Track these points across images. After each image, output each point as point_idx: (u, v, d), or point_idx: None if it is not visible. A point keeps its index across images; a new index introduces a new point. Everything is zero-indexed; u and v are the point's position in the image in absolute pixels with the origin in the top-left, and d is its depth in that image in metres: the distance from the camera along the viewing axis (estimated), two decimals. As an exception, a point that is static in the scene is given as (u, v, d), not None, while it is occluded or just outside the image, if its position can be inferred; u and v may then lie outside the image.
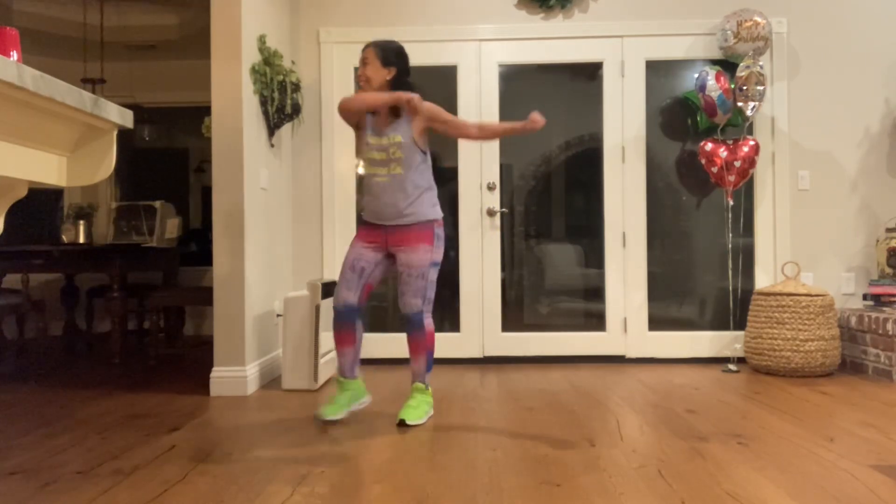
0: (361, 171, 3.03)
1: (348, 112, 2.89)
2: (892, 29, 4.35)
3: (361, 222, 3.01)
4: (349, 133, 4.45)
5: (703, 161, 4.14)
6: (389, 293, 4.56)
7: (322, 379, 3.69)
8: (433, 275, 2.93)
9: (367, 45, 2.92)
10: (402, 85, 2.92)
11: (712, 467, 2.25)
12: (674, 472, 2.20)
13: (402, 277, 2.91)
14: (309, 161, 4.46)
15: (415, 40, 4.43)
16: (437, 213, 2.97)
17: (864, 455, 2.37)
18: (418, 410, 2.90)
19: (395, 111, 2.91)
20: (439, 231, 2.95)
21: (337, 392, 2.95)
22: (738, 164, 4.03)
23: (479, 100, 4.43)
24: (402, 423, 2.84)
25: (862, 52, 4.35)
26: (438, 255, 2.95)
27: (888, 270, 4.10)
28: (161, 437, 2.71)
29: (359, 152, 3.00)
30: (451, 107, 4.45)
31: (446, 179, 4.45)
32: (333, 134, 4.45)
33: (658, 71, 4.42)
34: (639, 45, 4.40)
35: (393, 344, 4.43)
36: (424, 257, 2.90)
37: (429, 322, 2.93)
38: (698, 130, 4.33)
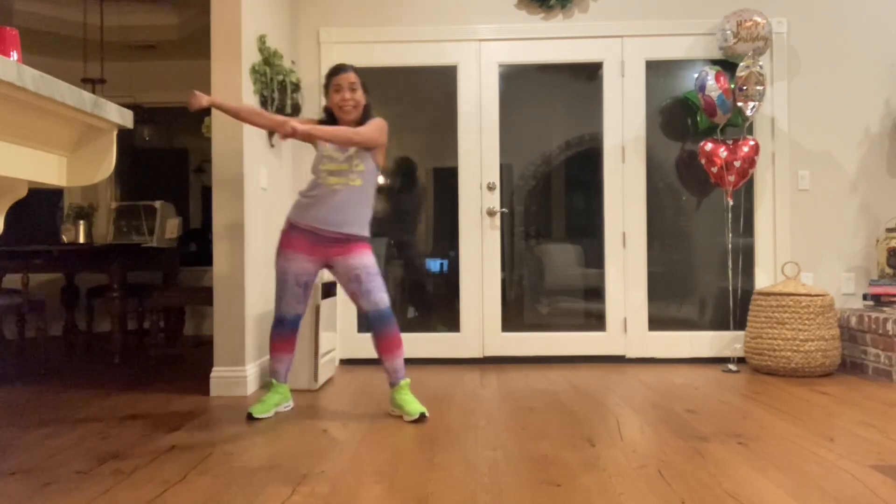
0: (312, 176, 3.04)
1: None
2: (892, 29, 4.35)
3: (298, 229, 2.98)
4: (349, 133, 4.45)
5: (703, 161, 4.14)
6: (389, 293, 4.56)
7: (322, 379, 3.69)
8: None
9: (350, 69, 2.99)
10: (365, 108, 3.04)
11: (712, 467, 2.25)
12: (674, 472, 2.20)
13: (361, 277, 2.95)
14: (309, 161, 4.44)
15: (415, 40, 4.43)
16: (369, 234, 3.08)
17: (864, 455, 2.37)
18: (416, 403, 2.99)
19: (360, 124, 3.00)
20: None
21: (269, 393, 3.07)
22: (737, 164, 4.03)
23: (479, 100, 4.43)
24: (422, 417, 2.91)
25: (862, 52, 4.35)
26: None
27: (888, 270, 4.10)
28: (161, 437, 2.71)
29: (314, 161, 3.04)
30: (451, 107, 4.45)
31: (446, 179, 4.45)
32: (333, 134, 4.44)
33: (658, 71, 4.42)
34: (639, 45, 4.40)
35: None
36: (373, 258, 3.02)
37: None
38: (698, 130, 4.33)
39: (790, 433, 2.67)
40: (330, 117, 3.04)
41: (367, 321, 3.01)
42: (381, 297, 2.97)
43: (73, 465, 2.35)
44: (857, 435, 2.64)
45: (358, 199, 2.98)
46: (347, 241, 2.98)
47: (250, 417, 2.95)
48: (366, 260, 2.97)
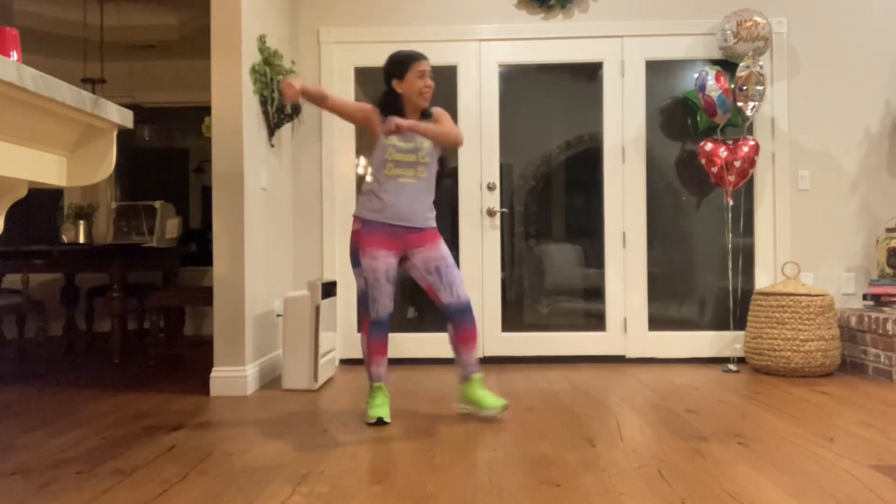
0: (366, 170, 3.01)
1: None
2: (892, 29, 4.35)
3: (374, 225, 2.91)
4: (349, 133, 4.45)
5: (703, 161, 4.14)
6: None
7: (322, 379, 3.69)
8: None
9: (425, 58, 2.96)
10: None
11: (712, 467, 2.25)
12: (674, 472, 2.20)
13: (441, 269, 2.93)
14: (309, 161, 4.46)
15: (415, 40, 4.43)
16: None
17: (864, 455, 2.37)
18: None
19: (425, 115, 2.98)
20: None
21: (378, 396, 2.96)
22: (737, 164, 4.03)
23: (479, 100, 4.43)
24: (503, 410, 2.91)
25: (862, 53, 4.35)
26: None
27: (888, 270, 4.09)
28: (161, 437, 2.71)
29: (376, 153, 2.94)
30: (452, 107, 4.45)
31: (446, 179, 4.45)
32: (333, 134, 4.45)
33: (658, 71, 4.42)
34: (639, 45, 4.40)
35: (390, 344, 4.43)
36: (447, 248, 2.99)
37: None
38: (698, 130, 4.33)
39: (790, 433, 2.67)
40: (392, 101, 2.95)
41: (443, 313, 2.96)
42: (463, 289, 2.95)
43: (73, 465, 2.35)
44: (857, 435, 2.64)
45: (426, 188, 2.97)
46: (422, 232, 2.96)
47: (381, 422, 2.87)
48: (443, 251, 2.96)
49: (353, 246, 2.95)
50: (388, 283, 2.91)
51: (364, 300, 2.95)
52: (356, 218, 2.97)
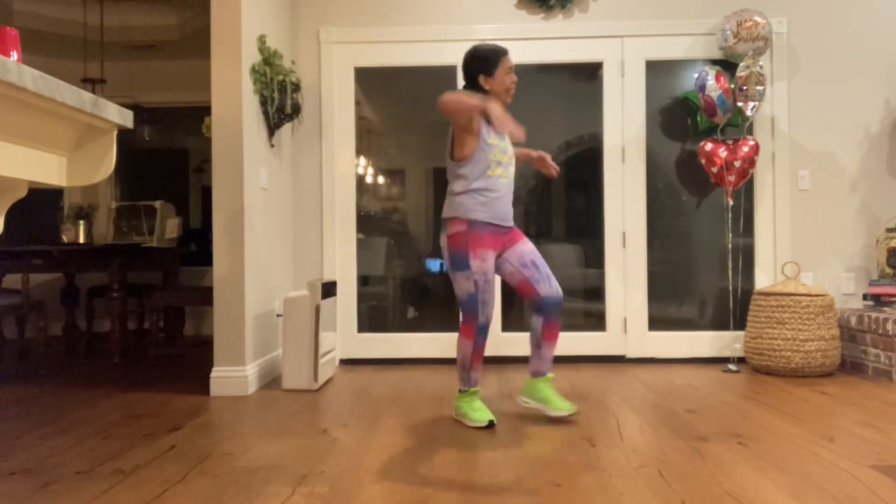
0: (457, 173, 2.84)
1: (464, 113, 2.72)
2: (892, 29, 4.35)
3: (481, 225, 2.83)
4: (349, 133, 4.45)
5: (703, 161, 4.14)
6: (390, 293, 4.57)
7: (322, 379, 3.69)
8: None
9: (509, 52, 2.94)
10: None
11: (712, 467, 2.25)
12: (674, 472, 2.20)
13: (537, 263, 2.92)
14: (309, 161, 4.46)
15: (415, 40, 4.43)
16: None
17: (864, 455, 2.37)
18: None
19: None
20: None
21: (476, 399, 2.91)
22: (737, 164, 4.03)
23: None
24: (572, 415, 2.89)
25: (862, 53, 4.35)
26: None
27: (888, 270, 4.09)
28: (161, 437, 2.71)
29: (476, 154, 2.83)
30: (451, 107, 4.45)
31: (446, 180, 4.44)
32: (333, 134, 4.45)
33: (658, 71, 4.42)
34: (639, 45, 4.40)
35: (385, 344, 4.43)
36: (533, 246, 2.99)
37: None
38: (698, 130, 4.33)
39: (790, 433, 2.67)
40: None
41: (538, 306, 2.92)
42: (557, 284, 2.94)
43: (73, 465, 2.35)
44: (857, 435, 2.64)
45: (512, 188, 2.97)
46: (512, 229, 2.96)
47: (492, 424, 2.80)
48: (532, 245, 2.97)
49: (459, 248, 2.82)
50: (489, 286, 2.86)
51: (471, 304, 2.83)
52: (458, 219, 2.83)
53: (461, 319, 2.90)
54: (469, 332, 2.85)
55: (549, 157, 3.15)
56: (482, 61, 2.88)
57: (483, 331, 2.87)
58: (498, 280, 4.25)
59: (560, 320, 2.96)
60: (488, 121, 2.85)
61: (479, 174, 2.84)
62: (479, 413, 2.84)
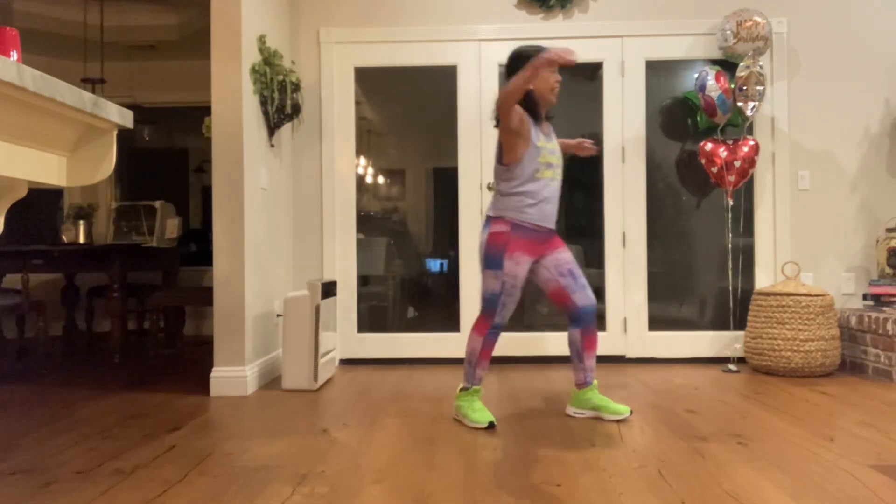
0: (503, 175, 2.83)
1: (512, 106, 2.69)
2: (892, 29, 4.35)
3: (524, 229, 2.83)
4: (349, 133, 4.45)
5: (703, 161, 4.14)
6: (390, 293, 4.57)
7: (322, 379, 3.69)
8: None
9: None
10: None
11: (712, 467, 2.25)
12: (674, 472, 2.20)
13: (575, 272, 2.92)
14: (309, 161, 4.46)
15: (415, 40, 4.43)
16: None
17: (864, 455, 2.37)
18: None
19: (547, 116, 2.95)
20: None
21: (478, 400, 2.93)
22: (737, 164, 4.03)
23: (479, 100, 4.43)
24: (629, 415, 2.89)
25: (862, 53, 4.35)
26: None
27: (888, 270, 4.09)
28: (161, 437, 2.71)
29: (526, 156, 2.81)
30: (451, 107, 4.45)
31: (446, 179, 4.45)
32: (333, 134, 4.45)
33: (658, 71, 4.42)
34: (639, 45, 4.40)
35: (385, 344, 4.43)
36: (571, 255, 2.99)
37: None
38: (698, 130, 4.33)
39: (790, 433, 2.67)
40: (526, 99, 2.82)
41: (574, 317, 2.92)
42: (591, 294, 2.94)
43: (73, 465, 2.35)
44: (857, 435, 2.64)
45: (559, 191, 2.95)
46: (551, 236, 2.95)
47: (491, 426, 2.79)
48: (570, 254, 2.96)
49: (496, 247, 2.83)
50: (519, 291, 2.87)
51: (492, 301, 2.85)
52: (501, 219, 2.84)
53: (478, 315, 2.92)
54: (482, 328, 2.88)
55: (585, 141, 3.16)
56: (526, 62, 2.83)
57: (496, 331, 2.88)
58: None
59: (596, 329, 2.96)
60: (536, 108, 2.85)
61: (529, 177, 2.84)
62: (480, 414, 2.84)
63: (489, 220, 2.90)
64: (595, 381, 2.99)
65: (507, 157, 2.84)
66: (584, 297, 2.91)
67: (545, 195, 2.86)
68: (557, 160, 2.92)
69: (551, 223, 2.92)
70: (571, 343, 2.97)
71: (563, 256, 2.94)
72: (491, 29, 4.42)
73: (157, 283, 5.84)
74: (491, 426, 2.80)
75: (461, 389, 2.95)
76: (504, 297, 2.84)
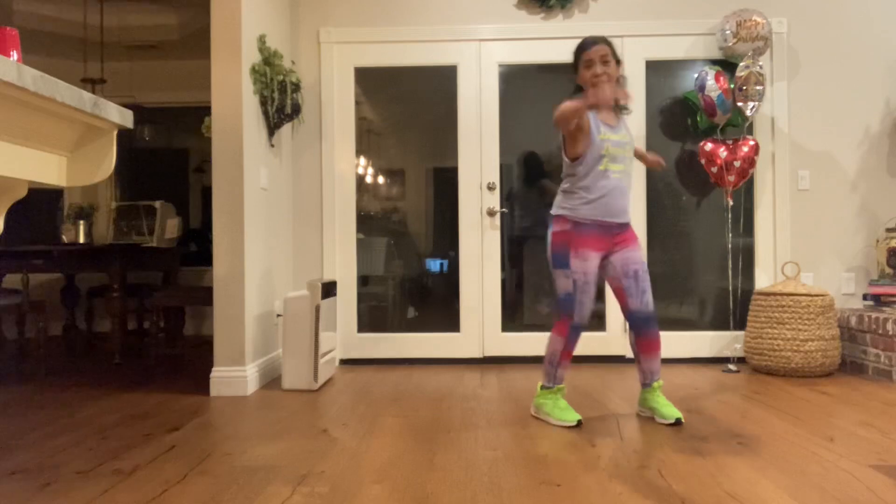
0: (569, 169, 2.83)
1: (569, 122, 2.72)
2: (892, 29, 4.35)
3: (586, 225, 2.80)
4: (349, 133, 4.45)
5: (703, 161, 4.14)
6: (389, 293, 4.57)
7: (322, 379, 3.69)
8: None
9: (601, 41, 2.84)
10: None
11: (712, 467, 2.25)
12: (674, 472, 2.20)
13: (640, 275, 2.87)
14: (309, 161, 4.46)
15: (415, 40, 4.43)
16: None
17: (864, 455, 2.37)
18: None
19: (618, 105, 2.89)
20: None
21: (563, 400, 2.91)
22: (737, 164, 4.03)
23: (479, 100, 4.43)
24: (678, 422, 2.82)
25: (862, 53, 4.35)
26: None
27: (888, 270, 4.09)
28: (161, 437, 2.71)
29: (588, 151, 2.79)
30: (451, 107, 4.45)
31: (446, 179, 4.45)
32: (333, 134, 4.45)
33: (658, 71, 4.42)
34: (639, 45, 4.40)
35: (385, 344, 4.43)
36: (642, 254, 2.93)
37: None
38: (698, 130, 4.33)
39: (790, 433, 2.67)
40: (576, 96, 2.80)
41: (628, 319, 2.91)
42: (651, 298, 2.89)
43: (73, 465, 2.35)
44: (857, 435, 2.64)
45: (629, 183, 2.89)
46: (624, 230, 2.88)
47: (579, 424, 2.79)
48: (640, 254, 2.90)
49: (561, 246, 2.82)
50: (594, 287, 2.83)
51: (568, 302, 2.82)
52: (563, 218, 2.84)
53: (556, 317, 2.89)
54: (563, 330, 2.85)
55: (660, 160, 3.09)
56: (573, 59, 2.89)
57: (577, 331, 2.85)
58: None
59: (655, 334, 2.89)
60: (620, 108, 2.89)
61: (590, 170, 2.80)
62: (566, 413, 2.83)
63: (552, 218, 2.89)
64: (657, 383, 2.93)
65: (570, 150, 2.84)
66: (638, 302, 2.87)
67: (609, 189, 2.79)
68: (625, 152, 2.84)
69: (620, 217, 2.84)
70: (630, 344, 2.96)
71: (632, 255, 2.88)
72: (491, 29, 4.42)
73: (157, 283, 5.84)
74: (579, 424, 2.79)
75: (542, 387, 2.93)
76: (579, 294, 2.80)
